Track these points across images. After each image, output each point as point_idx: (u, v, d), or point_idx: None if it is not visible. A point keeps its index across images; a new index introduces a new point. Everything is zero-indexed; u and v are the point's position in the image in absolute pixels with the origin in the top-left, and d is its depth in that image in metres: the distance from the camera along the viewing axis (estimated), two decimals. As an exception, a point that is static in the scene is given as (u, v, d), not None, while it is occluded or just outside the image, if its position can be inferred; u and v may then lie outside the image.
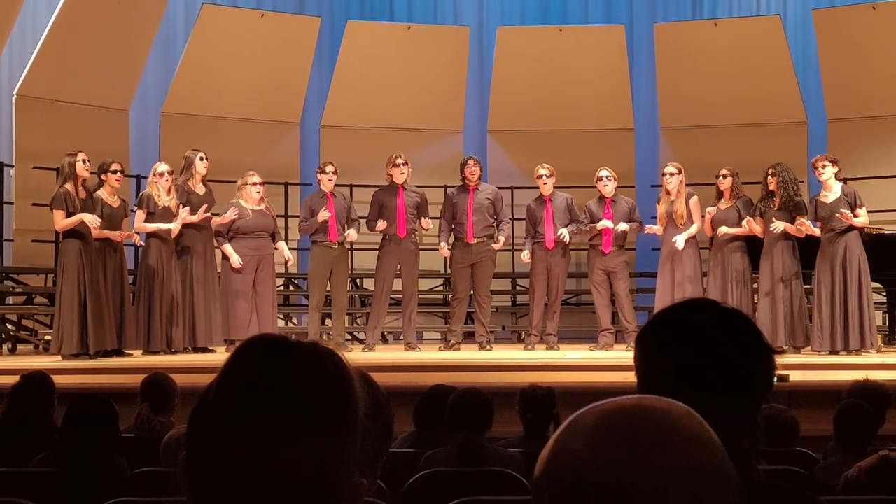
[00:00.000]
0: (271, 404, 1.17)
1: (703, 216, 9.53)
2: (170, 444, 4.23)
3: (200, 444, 1.19)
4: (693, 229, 9.50)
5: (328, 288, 10.07)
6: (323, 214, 9.73)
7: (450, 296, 10.70)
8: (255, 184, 9.71)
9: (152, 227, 9.24)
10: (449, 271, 10.67)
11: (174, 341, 9.32)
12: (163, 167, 9.43)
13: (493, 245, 9.97)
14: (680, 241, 9.43)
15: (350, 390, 1.22)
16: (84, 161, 8.72)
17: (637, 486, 1.03)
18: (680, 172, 9.59)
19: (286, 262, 9.98)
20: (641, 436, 1.05)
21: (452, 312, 10.27)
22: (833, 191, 9.01)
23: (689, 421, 1.08)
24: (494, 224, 10.03)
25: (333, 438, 1.18)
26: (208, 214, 9.51)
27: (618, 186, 9.98)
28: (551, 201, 9.95)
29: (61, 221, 8.60)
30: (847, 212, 8.78)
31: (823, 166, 9.02)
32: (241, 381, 1.20)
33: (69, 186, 8.61)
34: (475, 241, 9.93)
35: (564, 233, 9.78)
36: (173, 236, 9.33)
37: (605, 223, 9.70)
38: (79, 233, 8.67)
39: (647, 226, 9.79)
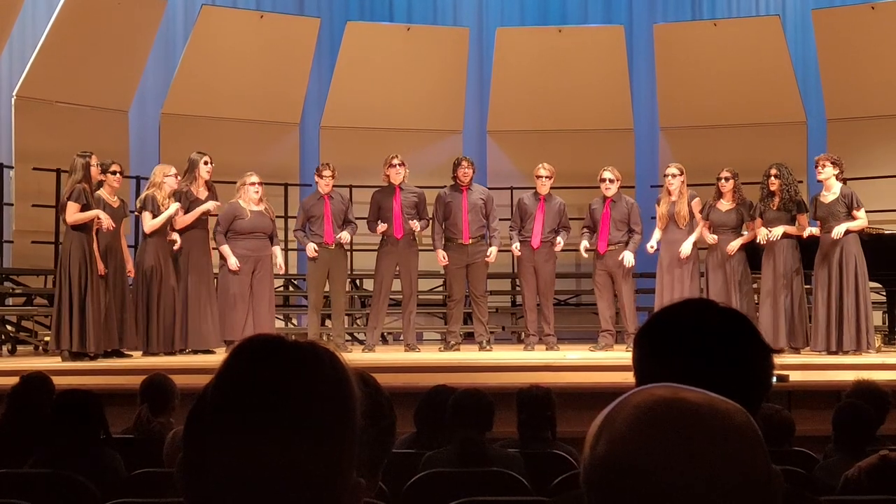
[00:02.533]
0: (268, 405, 1.16)
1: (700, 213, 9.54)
2: (173, 445, 4.22)
3: (198, 445, 1.19)
4: (696, 235, 9.48)
5: (326, 288, 10.07)
6: (310, 251, 9.81)
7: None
8: (253, 184, 9.70)
9: (161, 218, 9.19)
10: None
11: (173, 342, 9.31)
12: (170, 170, 9.39)
13: (487, 260, 9.96)
14: (686, 248, 9.42)
15: (347, 391, 1.22)
16: (96, 164, 8.77)
17: (672, 483, 1.03)
18: (682, 173, 9.59)
19: (278, 268, 9.95)
20: (679, 432, 1.05)
21: (450, 314, 10.25)
22: (832, 191, 9.01)
23: (733, 417, 1.09)
24: (485, 225, 10.04)
25: (330, 439, 1.18)
26: (212, 206, 9.45)
27: (620, 187, 9.98)
28: (546, 201, 9.96)
29: (75, 214, 8.58)
30: (841, 230, 8.79)
31: (823, 166, 9.03)
32: (238, 382, 1.20)
33: (85, 185, 8.63)
34: (470, 241, 9.94)
35: (560, 241, 9.82)
36: (178, 227, 9.31)
37: (585, 244, 9.80)
38: (84, 230, 8.66)
39: (649, 244, 9.75)
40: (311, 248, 9.79)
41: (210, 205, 9.45)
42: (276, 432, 1.15)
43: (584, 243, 9.84)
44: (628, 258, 9.69)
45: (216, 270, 9.80)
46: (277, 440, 1.15)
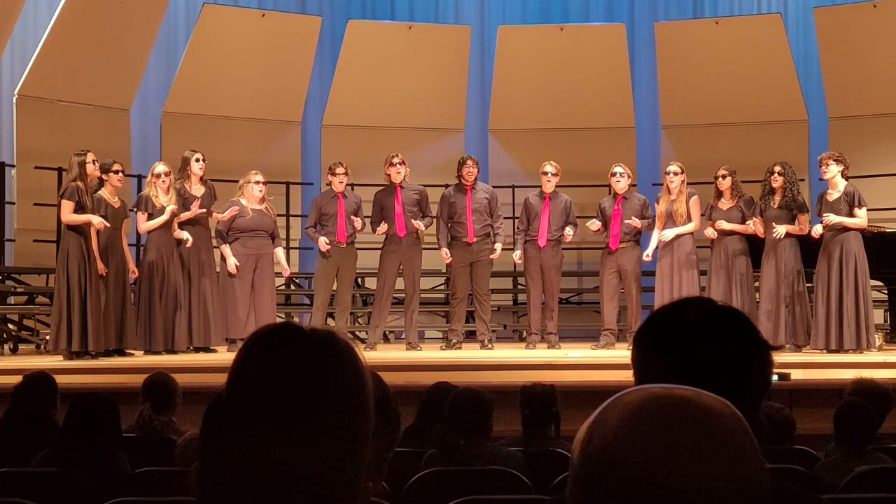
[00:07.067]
0: (286, 402, 1.14)
1: (702, 215, 9.54)
2: (188, 447, 4.16)
3: (215, 443, 1.17)
4: (689, 227, 9.49)
5: (334, 287, 10.08)
6: (322, 245, 9.77)
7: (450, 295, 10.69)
8: (258, 182, 9.72)
9: (155, 222, 9.23)
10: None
11: (176, 341, 9.32)
12: (160, 168, 9.43)
13: (492, 256, 9.97)
14: (668, 234, 9.43)
15: (365, 387, 1.19)
16: (93, 161, 8.76)
17: (665, 479, 1.03)
18: (682, 172, 9.59)
19: (283, 273, 10.02)
20: (671, 427, 1.05)
21: (452, 312, 10.26)
22: (837, 189, 9.01)
23: (723, 414, 1.09)
24: (490, 224, 10.04)
25: (347, 437, 1.16)
26: (203, 211, 9.48)
27: (631, 184, 9.97)
28: (551, 199, 9.96)
29: (70, 214, 8.58)
30: (830, 217, 8.80)
31: (828, 164, 9.02)
32: (254, 379, 1.17)
33: (80, 184, 8.63)
34: (475, 240, 9.94)
35: (569, 231, 9.81)
36: (176, 226, 9.32)
37: (596, 223, 9.73)
38: (81, 229, 8.67)
39: (646, 253, 9.72)
40: (322, 242, 9.78)
41: (193, 212, 9.41)
42: (293, 430, 1.13)
43: (596, 222, 9.79)
44: (635, 221, 9.57)
45: (218, 269, 9.81)
46: (295, 438, 1.13)
